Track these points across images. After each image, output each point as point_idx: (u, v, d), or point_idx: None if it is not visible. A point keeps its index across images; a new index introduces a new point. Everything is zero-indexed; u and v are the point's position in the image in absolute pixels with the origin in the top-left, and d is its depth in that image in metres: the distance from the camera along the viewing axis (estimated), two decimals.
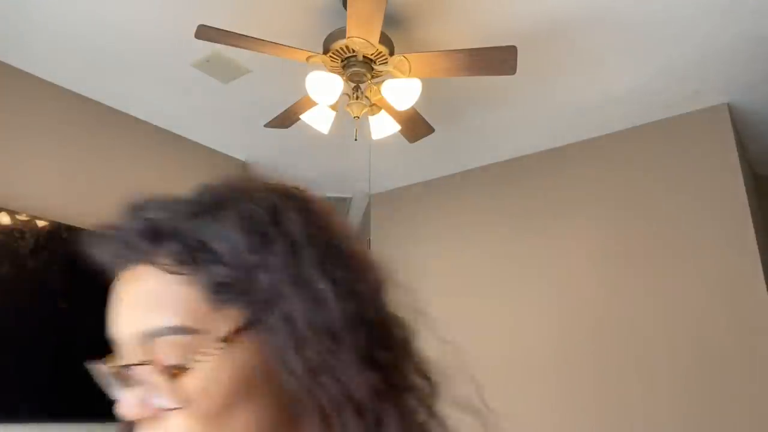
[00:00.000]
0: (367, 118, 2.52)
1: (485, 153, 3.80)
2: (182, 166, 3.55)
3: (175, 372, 0.42)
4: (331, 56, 2.29)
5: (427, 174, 4.08)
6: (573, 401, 3.15)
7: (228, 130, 3.52)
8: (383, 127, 2.51)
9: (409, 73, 2.31)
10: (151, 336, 0.43)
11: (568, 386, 3.19)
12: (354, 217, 4.91)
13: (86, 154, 3.07)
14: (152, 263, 0.45)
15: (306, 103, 2.51)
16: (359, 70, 2.29)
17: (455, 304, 3.77)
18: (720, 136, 3.09)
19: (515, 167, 3.80)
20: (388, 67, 2.33)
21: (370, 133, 2.57)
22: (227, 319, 0.44)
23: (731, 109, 3.12)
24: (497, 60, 2.24)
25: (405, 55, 2.27)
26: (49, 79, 2.96)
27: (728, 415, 2.71)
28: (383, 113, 2.50)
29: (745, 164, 3.25)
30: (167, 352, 0.43)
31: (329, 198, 4.47)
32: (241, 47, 2.23)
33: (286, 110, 2.68)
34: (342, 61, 2.30)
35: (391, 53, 2.32)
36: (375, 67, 2.33)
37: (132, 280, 0.46)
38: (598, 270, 3.28)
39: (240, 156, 3.88)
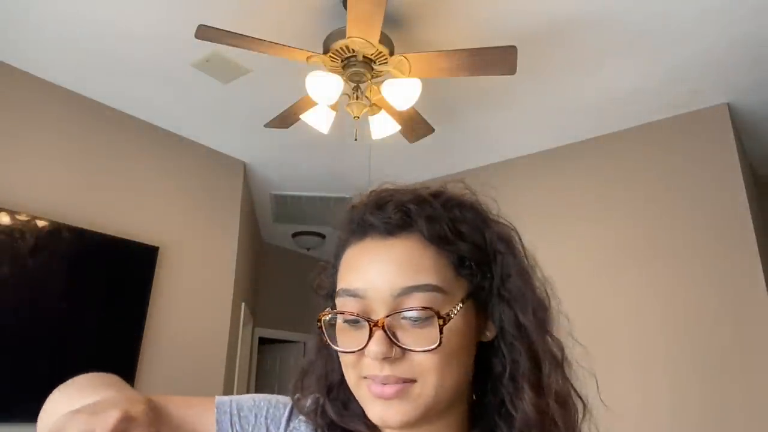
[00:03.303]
0: (367, 118, 2.52)
1: (485, 153, 3.80)
2: (182, 166, 3.55)
3: (443, 318, 0.53)
4: (331, 56, 2.29)
5: (427, 174, 4.08)
6: None
7: (228, 130, 3.52)
8: (383, 127, 2.51)
9: (409, 73, 2.31)
10: (413, 290, 0.54)
11: None
12: None
13: (86, 154, 3.07)
14: (420, 234, 0.56)
15: (306, 103, 2.51)
16: (359, 70, 2.29)
17: None
18: (720, 136, 3.09)
19: (515, 167, 3.80)
20: (388, 67, 2.33)
21: (370, 133, 2.57)
22: (461, 286, 0.57)
23: (731, 109, 3.12)
24: (497, 60, 2.23)
25: (405, 55, 2.26)
26: (49, 79, 2.96)
27: (728, 415, 2.71)
28: (383, 113, 2.50)
29: (745, 164, 3.25)
30: (415, 303, 0.54)
31: (329, 198, 4.47)
32: (241, 47, 2.23)
33: (286, 110, 2.68)
34: (342, 61, 2.30)
35: (391, 53, 2.31)
36: (375, 67, 2.33)
37: (397, 245, 0.56)
38: (597, 270, 3.28)
39: (240, 156, 3.88)
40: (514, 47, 2.18)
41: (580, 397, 0.61)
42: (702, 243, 2.99)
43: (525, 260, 0.63)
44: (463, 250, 0.57)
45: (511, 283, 0.60)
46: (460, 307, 0.55)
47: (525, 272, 0.62)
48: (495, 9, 2.42)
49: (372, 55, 2.27)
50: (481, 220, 0.62)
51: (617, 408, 3.29)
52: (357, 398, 0.58)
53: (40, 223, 2.73)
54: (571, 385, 0.61)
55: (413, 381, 0.54)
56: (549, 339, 0.61)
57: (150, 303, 3.10)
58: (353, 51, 2.25)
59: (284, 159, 3.89)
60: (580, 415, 0.61)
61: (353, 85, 2.33)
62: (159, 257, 3.19)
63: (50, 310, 2.69)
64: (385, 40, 2.26)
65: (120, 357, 2.90)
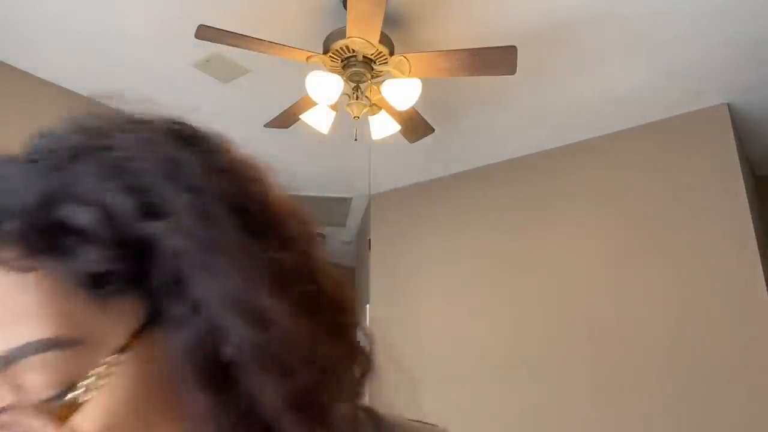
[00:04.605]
0: (367, 118, 2.52)
1: (485, 153, 3.80)
2: None
3: (61, 409, 0.29)
4: (331, 56, 2.29)
5: (427, 174, 4.08)
6: (569, 402, 3.15)
7: (228, 130, 3.51)
8: (383, 127, 2.51)
9: (409, 73, 2.31)
10: (11, 360, 0.29)
11: (565, 387, 3.19)
12: (354, 217, 4.92)
13: None
14: None
15: (306, 103, 2.51)
16: (359, 70, 2.29)
17: (454, 304, 3.78)
18: (720, 136, 3.09)
19: (515, 167, 3.80)
20: (388, 67, 2.33)
21: (370, 133, 2.57)
22: (121, 319, 0.31)
23: (731, 109, 3.12)
24: (497, 60, 2.24)
25: (405, 55, 2.27)
26: (49, 79, 2.96)
27: (728, 415, 2.71)
28: (383, 113, 2.50)
29: (745, 164, 3.25)
30: (40, 378, 0.29)
31: (329, 198, 4.47)
32: (241, 47, 2.23)
33: (286, 110, 2.69)
34: (342, 61, 2.30)
35: (391, 53, 2.32)
36: (375, 67, 2.33)
37: None
38: (597, 270, 3.28)
39: None
40: (514, 47, 2.18)
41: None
42: (702, 243, 2.99)
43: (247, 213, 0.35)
44: (91, 258, 0.30)
45: (208, 276, 0.32)
46: (118, 360, 0.30)
47: (245, 242, 0.33)
48: (495, 9, 2.42)
49: (372, 55, 2.27)
50: (119, 173, 0.32)
51: (617, 408, 3.29)
52: None
53: None
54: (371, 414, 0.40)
55: None
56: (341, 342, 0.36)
57: None
58: (353, 51, 2.25)
59: (284, 159, 3.89)
60: None
61: (353, 85, 2.33)
62: None
63: None
64: (385, 40, 2.26)
65: None
